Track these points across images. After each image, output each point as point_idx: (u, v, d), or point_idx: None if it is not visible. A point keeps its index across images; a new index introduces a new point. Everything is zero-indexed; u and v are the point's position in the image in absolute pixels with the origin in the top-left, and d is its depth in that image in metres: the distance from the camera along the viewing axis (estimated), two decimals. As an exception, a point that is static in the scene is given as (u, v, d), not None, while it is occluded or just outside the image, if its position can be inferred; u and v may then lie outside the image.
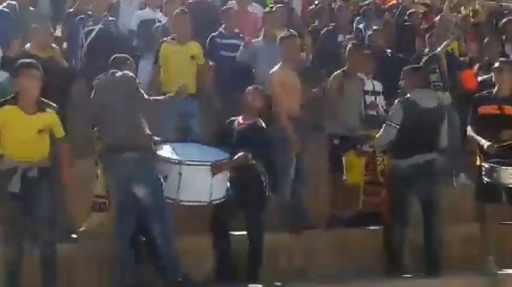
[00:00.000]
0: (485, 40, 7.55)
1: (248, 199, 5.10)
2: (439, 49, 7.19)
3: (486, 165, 5.27)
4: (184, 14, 6.43)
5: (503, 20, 8.58)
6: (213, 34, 7.05)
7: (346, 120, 5.91)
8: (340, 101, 5.96)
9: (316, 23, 8.57)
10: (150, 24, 7.43)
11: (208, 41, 6.97)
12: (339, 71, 6.11)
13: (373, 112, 6.39)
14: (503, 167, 5.19)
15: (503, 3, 9.91)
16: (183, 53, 6.27)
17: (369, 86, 6.50)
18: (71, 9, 7.85)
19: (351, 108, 6.02)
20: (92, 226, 4.95)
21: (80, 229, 5.02)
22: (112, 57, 5.12)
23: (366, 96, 6.42)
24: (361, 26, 8.54)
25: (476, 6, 9.41)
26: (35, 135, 4.50)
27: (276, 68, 5.93)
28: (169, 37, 6.42)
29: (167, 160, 4.85)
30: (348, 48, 6.35)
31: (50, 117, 4.60)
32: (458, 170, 6.87)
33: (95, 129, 5.04)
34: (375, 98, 6.51)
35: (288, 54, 5.94)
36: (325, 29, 8.08)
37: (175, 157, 4.90)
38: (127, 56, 5.27)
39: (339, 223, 5.91)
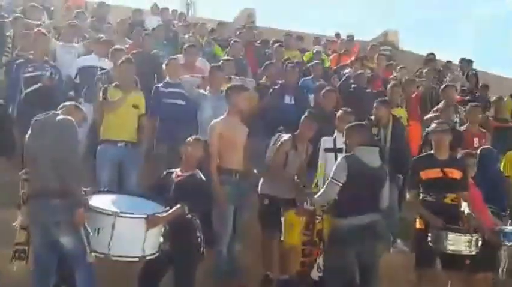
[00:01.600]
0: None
1: (181, 255, 4.87)
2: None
3: (435, 231, 5.21)
4: (129, 63, 6.43)
5: (443, 86, 8.91)
6: (158, 85, 7.12)
7: (280, 183, 5.85)
8: (281, 169, 5.90)
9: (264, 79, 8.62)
10: (91, 71, 7.38)
11: (153, 90, 7.00)
12: (288, 138, 6.01)
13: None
14: (457, 234, 5.15)
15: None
16: (126, 101, 6.23)
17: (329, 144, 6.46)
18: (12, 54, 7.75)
19: (288, 174, 5.97)
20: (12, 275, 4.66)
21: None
22: (62, 106, 4.93)
23: (327, 154, 6.36)
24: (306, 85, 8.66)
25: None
26: None
27: (218, 119, 5.84)
28: (112, 84, 6.35)
29: (100, 211, 4.57)
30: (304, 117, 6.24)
31: None
32: (395, 234, 6.85)
33: (23, 171, 4.77)
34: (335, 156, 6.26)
35: (233, 106, 5.88)
36: (273, 87, 8.09)
37: (109, 208, 4.63)
38: (76, 104, 5.19)
39: (272, 285, 5.72)
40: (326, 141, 6.55)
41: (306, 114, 6.26)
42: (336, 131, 6.55)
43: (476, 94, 10.60)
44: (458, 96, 10.03)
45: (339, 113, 6.61)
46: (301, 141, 6.11)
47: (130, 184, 6.09)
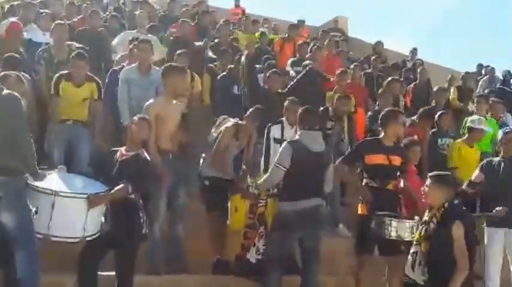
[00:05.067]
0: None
1: (123, 235, 4.78)
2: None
3: (378, 217, 5.25)
4: (80, 59, 6.29)
5: (388, 79, 9.08)
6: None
7: (222, 165, 5.84)
8: (223, 153, 5.89)
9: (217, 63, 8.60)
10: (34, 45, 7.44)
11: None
12: (231, 125, 5.97)
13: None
14: (401, 221, 5.22)
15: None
16: (78, 95, 6.29)
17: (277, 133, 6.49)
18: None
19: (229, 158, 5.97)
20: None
21: None
22: (2, 75, 4.80)
23: (276, 145, 6.38)
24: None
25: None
26: None
27: (153, 100, 5.79)
28: (63, 75, 6.28)
29: (39, 190, 4.43)
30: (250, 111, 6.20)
31: None
32: (337, 219, 6.95)
33: None
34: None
35: (168, 87, 5.80)
36: (222, 74, 8.10)
37: (48, 186, 4.48)
38: (13, 72, 5.01)
39: (224, 267, 5.72)
40: (274, 130, 6.60)
41: (252, 108, 6.22)
42: (284, 120, 6.58)
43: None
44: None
45: (286, 103, 6.64)
46: (244, 132, 6.08)
47: (80, 163, 6.05)
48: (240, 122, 6.07)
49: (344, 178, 6.16)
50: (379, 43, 12.36)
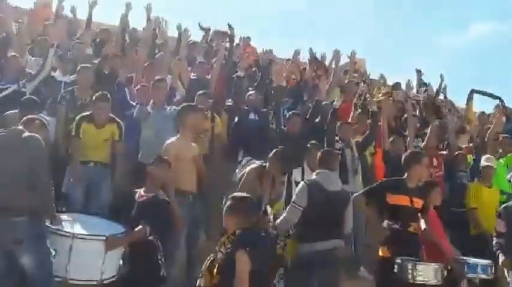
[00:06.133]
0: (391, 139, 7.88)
1: (142, 278, 4.73)
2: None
3: (399, 260, 5.18)
4: (102, 101, 6.31)
5: (405, 116, 9.02)
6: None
7: None
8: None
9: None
10: (56, 83, 7.40)
11: None
12: (255, 168, 5.84)
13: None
14: (425, 264, 5.15)
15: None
16: (99, 136, 6.27)
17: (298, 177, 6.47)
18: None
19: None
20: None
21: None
22: (25, 119, 4.81)
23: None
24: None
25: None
26: None
27: (172, 139, 5.79)
28: (85, 116, 6.29)
29: (57, 233, 4.44)
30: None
31: None
32: (359, 260, 6.84)
33: None
34: None
35: (187, 127, 5.84)
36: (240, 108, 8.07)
37: (66, 229, 4.49)
38: (37, 117, 5.06)
39: None
40: (295, 174, 6.56)
41: (274, 151, 6.12)
42: (304, 163, 6.54)
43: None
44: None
45: (308, 147, 6.60)
46: (267, 174, 6.04)
47: (100, 203, 5.99)
48: (264, 164, 6.04)
49: (365, 212, 6.02)
50: (397, 84, 12.32)
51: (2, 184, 4.32)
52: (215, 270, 3.97)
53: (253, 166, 5.91)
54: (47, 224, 4.42)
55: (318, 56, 11.04)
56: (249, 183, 5.79)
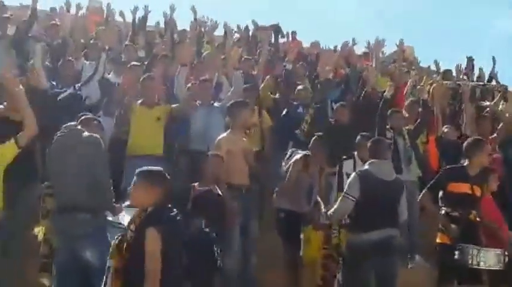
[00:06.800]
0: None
1: (199, 268, 4.84)
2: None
3: (460, 246, 5.17)
4: (151, 79, 6.47)
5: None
6: None
7: (295, 198, 5.84)
8: (294, 186, 5.90)
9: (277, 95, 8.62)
10: (110, 84, 7.57)
11: None
12: (299, 158, 5.97)
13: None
14: (488, 249, 5.14)
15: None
16: (150, 116, 6.30)
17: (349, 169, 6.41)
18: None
19: (302, 191, 5.95)
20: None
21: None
22: (80, 116, 5.01)
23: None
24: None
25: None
26: None
27: (224, 134, 5.91)
28: (138, 101, 6.43)
29: (114, 225, 4.59)
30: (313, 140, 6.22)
31: None
32: (414, 249, 6.79)
33: (45, 183, 4.83)
34: None
35: (238, 122, 5.96)
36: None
37: (123, 222, 4.61)
38: (94, 116, 5.23)
39: None
40: (346, 166, 6.52)
41: (315, 137, 6.22)
42: (355, 155, 6.55)
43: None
44: None
45: (358, 138, 6.52)
46: (313, 163, 6.08)
47: None
48: (308, 153, 6.09)
49: (428, 207, 5.96)
50: (447, 71, 12.09)
51: (65, 183, 4.54)
52: (124, 249, 3.72)
53: (297, 156, 5.99)
54: (108, 218, 4.60)
55: (363, 46, 10.95)
56: (296, 173, 5.86)
